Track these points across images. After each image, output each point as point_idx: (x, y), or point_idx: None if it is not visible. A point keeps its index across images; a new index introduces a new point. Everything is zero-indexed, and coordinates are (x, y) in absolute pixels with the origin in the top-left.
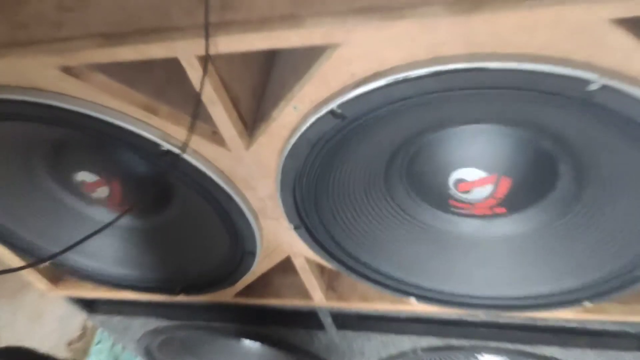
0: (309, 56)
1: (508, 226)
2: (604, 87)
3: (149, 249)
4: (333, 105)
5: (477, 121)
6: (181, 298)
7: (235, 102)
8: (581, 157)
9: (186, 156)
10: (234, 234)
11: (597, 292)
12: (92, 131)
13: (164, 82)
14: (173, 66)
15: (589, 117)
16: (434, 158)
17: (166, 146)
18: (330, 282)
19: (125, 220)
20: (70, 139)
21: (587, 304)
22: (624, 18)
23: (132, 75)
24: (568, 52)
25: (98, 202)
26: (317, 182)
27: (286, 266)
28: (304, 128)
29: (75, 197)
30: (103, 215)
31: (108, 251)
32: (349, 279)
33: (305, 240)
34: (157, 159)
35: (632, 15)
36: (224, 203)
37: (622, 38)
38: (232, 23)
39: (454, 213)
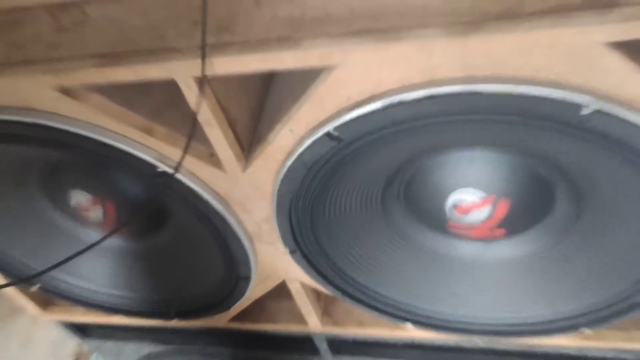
0: (306, 79)
1: (506, 249)
2: (597, 112)
3: (143, 272)
4: (329, 127)
5: (473, 146)
6: (175, 323)
7: (232, 124)
8: (578, 181)
9: (182, 177)
10: (228, 258)
11: (596, 318)
12: (89, 152)
13: (162, 104)
14: (171, 88)
15: (583, 142)
16: (430, 182)
17: (162, 167)
18: (325, 308)
19: (118, 243)
20: (65, 160)
21: (586, 330)
22: (618, 42)
23: (129, 96)
24: (563, 75)
25: (92, 223)
26: (314, 205)
27: (281, 291)
28: (299, 150)
29: (68, 218)
30: (96, 237)
31: (100, 274)
32: (345, 304)
33: (301, 265)
34: (153, 180)
35: (626, 39)
36: (219, 226)
37: (617, 62)
38: (229, 45)
39: (452, 236)
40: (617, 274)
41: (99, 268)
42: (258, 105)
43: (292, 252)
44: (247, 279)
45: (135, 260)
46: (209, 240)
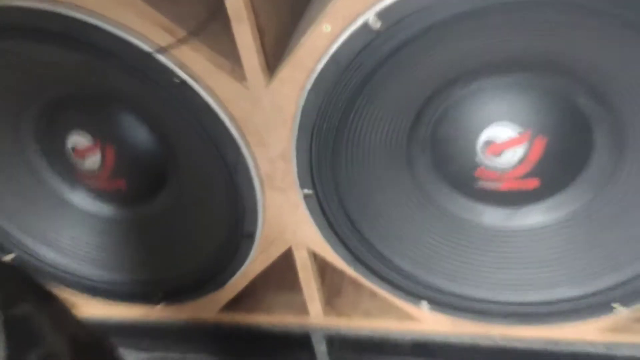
0: None
1: (537, 215)
2: None
3: (132, 244)
4: (369, 15)
5: (513, 64)
6: (157, 315)
7: (260, 31)
8: (621, 112)
9: (200, 90)
10: (235, 207)
11: (631, 291)
12: (104, 51)
13: (189, 16)
14: (199, 4)
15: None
16: (464, 115)
17: (182, 75)
18: (329, 300)
19: (108, 211)
20: (68, 95)
21: (619, 307)
22: None
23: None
24: None
25: (85, 177)
26: (338, 132)
27: (280, 282)
28: (334, 48)
29: (60, 176)
30: (85, 201)
31: (83, 247)
32: (350, 296)
33: (313, 215)
34: (170, 91)
35: None
36: (231, 160)
37: None
38: None
39: (477, 196)
40: None
41: (80, 240)
42: (287, 30)
43: (306, 197)
44: (251, 237)
45: (124, 231)
46: (216, 184)
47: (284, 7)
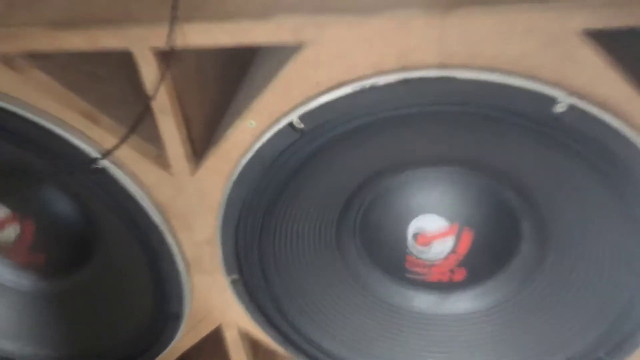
0: (274, 71)
1: (466, 302)
2: (572, 108)
3: (52, 319)
4: (293, 117)
5: (439, 160)
6: None
7: (186, 120)
8: (544, 208)
9: (122, 178)
10: (160, 289)
11: None
12: (22, 137)
13: (112, 97)
14: (124, 81)
15: (553, 148)
16: (392, 205)
17: (103, 162)
18: None
19: (28, 283)
20: None
21: None
22: (595, 30)
23: (77, 81)
24: (538, 67)
25: (2, 250)
26: (264, 222)
27: (212, 357)
28: (258, 145)
29: None
30: (1, 274)
31: None
32: None
33: (241, 300)
34: (91, 176)
35: (603, 27)
36: (154, 244)
37: (592, 54)
38: (198, 17)
39: (408, 282)
40: (582, 325)
41: None
42: (216, 117)
43: (233, 282)
44: (177, 317)
45: (44, 305)
46: (140, 268)
47: (214, 94)
